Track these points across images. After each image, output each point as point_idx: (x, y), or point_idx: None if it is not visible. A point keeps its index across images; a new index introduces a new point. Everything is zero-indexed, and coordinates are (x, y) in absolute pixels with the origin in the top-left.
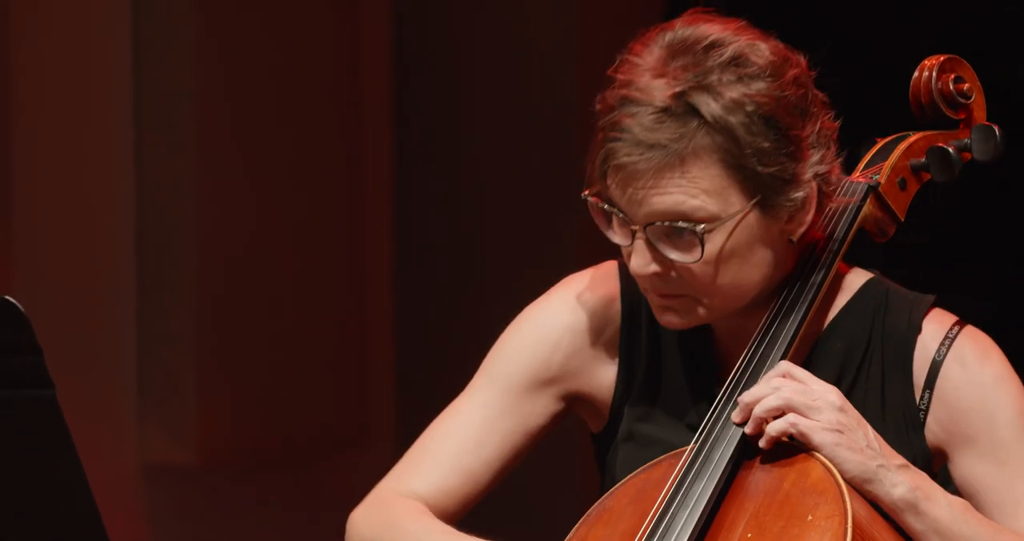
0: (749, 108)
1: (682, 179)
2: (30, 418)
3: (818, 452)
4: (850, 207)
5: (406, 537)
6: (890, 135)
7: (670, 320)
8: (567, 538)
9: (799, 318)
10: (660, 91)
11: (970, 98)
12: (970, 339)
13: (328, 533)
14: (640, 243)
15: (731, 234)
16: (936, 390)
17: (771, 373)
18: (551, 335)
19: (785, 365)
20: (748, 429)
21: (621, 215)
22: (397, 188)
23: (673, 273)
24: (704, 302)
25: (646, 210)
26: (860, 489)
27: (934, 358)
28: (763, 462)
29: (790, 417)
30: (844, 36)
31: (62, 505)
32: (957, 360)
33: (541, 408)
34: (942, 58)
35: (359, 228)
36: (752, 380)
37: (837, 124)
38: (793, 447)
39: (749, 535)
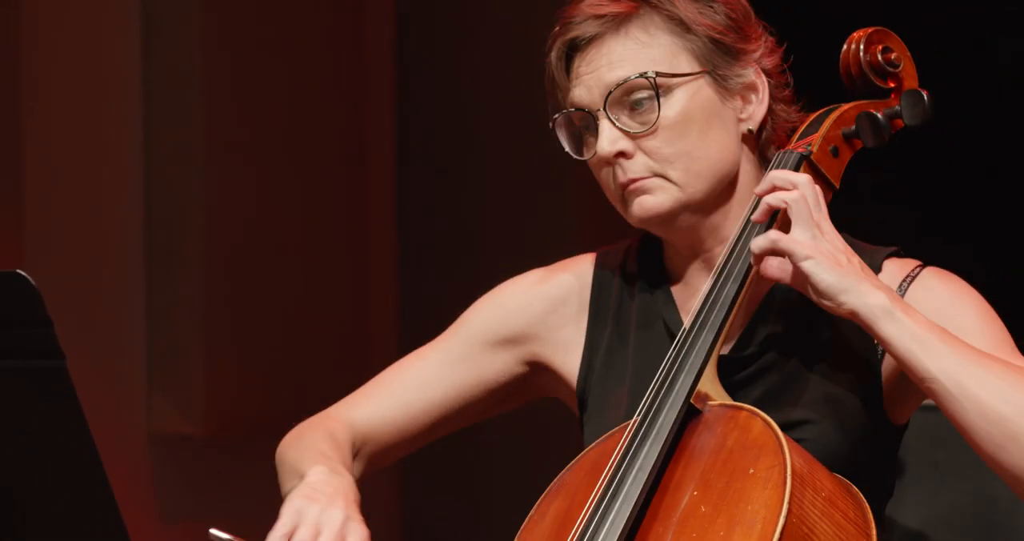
0: None
1: (629, 47)
2: (41, 388)
3: (798, 262)
4: None
5: (300, 448)
6: (823, 108)
7: (643, 203)
8: (529, 514)
9: (740, 280)
10: None
11: (899, 67)
12: (933, 271)
13: None
14: (604, 124)
15: (685, 95)
16: None
17: (800, 173)
18: (518, 299)
19: (805, 178)
20: (760, 190)
21: (588, 113)
22: (400, 162)
23: (638, 151)
24: (670, 175)
25: (602, 86)
26: (835, 300)
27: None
28: (707, 424)
29: (772, 234)
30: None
31: (72, 474)
32: (920, 287)
33: (499, 364)
34: (870, 30)
35: (362, 203)
36: (697, 342)
37: (782, 48)
38: (735, 406)
39: (695, 492)
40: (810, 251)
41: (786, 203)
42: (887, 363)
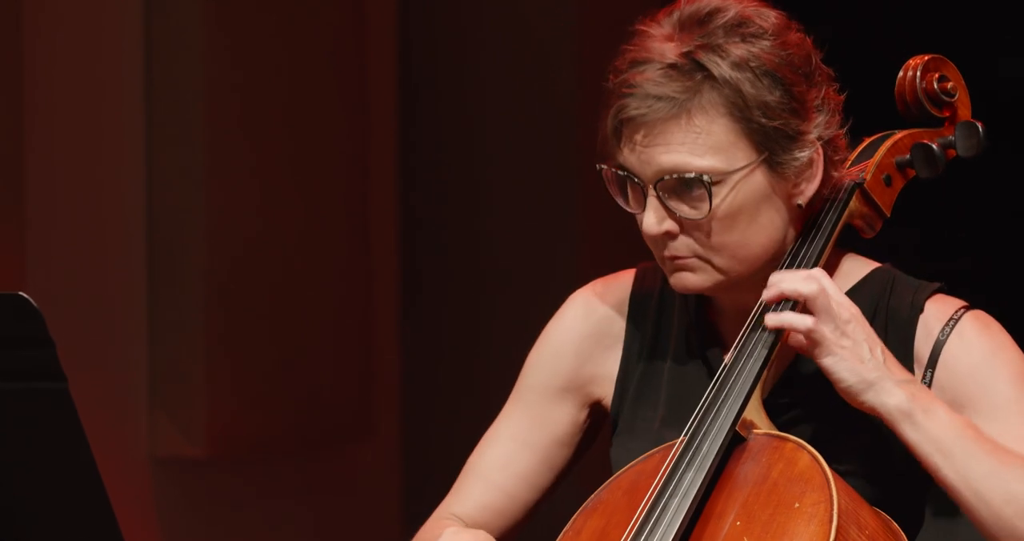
0: (753, 64)
1: (689, 133)
2: (43, 410)
3: (820, 358)
4: (837, 202)
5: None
6: (876, 134)
7: (684, 279)
8: (564, 530)
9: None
10: (668, 51)
11: (954, 96)
12: (974, 317)
13: (333, 523)
14: (652, 201)
15: (738, 190)
16: (937, 366)
17: (805, 270)
18: (563, 344)
19: (818, 271)
20: (767, 297)
21: (635, 180)
22: (401, 182)
23: (684, 232)
24: (715, 262)
25: (655, 168)
26: (857, 399)
27: (938, 338)
28: (752, 452)
29: (808, 321)
30: (831, 35)
31: (74, 496)
32: (958, 335)
33: (565, 416)
34: (926, 57)
35: (364, 222)
36: (744, 368)
37: (843, 97)
38: (781, 437)
39: (738, 523)
40: (830, 347)
41: (803, 296)
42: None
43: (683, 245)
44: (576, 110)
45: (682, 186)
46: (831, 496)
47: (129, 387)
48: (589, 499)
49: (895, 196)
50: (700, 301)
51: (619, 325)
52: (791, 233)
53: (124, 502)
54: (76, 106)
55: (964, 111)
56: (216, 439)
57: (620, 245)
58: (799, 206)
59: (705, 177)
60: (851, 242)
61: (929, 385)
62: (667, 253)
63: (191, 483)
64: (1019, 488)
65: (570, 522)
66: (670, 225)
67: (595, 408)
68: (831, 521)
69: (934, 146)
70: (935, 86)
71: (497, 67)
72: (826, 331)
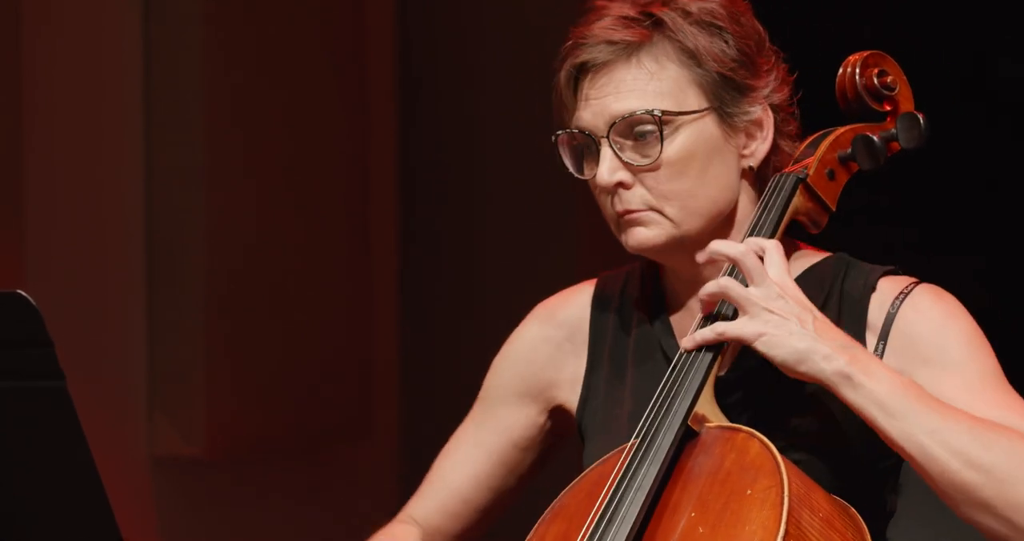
0: (706, 19)
1: (639, 78)
2: (41, 409)
3: (752, 345)
4: (779, 198)
5: None
6: (818, 131)
7: (637, 235)
8: (528, 537)
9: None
10: (625, 7)
11: (894, 90)
12: (925, 289)
13: (332, 522)
14: (605, 151)
15: (688, 134)
16: (890, 335)
17: (746, 244)
18: (524, 349)
19: (761, 242)
20: (701, 258)
21: (590, 138)
22: (402, 183)
23: (636, 184)
24: (667, 212)
25: (607, 116)
26: (795, 372)
27: (889, 311)
28: (704, 445)
29: (719, 327)
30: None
31: (73, 496)
32: (910, 306)
33: (524, 419)
34: (865, 54)
35: (364, 224)
36: (695, 362)
37: (793, 77)
38: (732, 428)
39: (693, 514)
40: (757, 329)
41: (730, 257)
42: None
43: (635, 196)
44: None
45: (633, 132)
46: (782, 480)
47: (129, 387)
48: (552, 504)
49: (839, 190)
50: (659, 302)
51: (582, 330)
52: (744, 201)
53: (123, 502)
54: (76, 106)
55: (906, 104)
56: (215, 439)
57: (619, 246)
58: (750, 168)
59: (655, 111)
60: (852, 240)
61: (882, 355)
62: (620, 207)
63: (190, 483)
64: (963, 442)
65: (533, 529)
66: (623, 175)
67: (557, 412)
68: (782, 504)
69: (874, 138)
70: (875, 81)
71: (497, 67)
72: (740, 326)
